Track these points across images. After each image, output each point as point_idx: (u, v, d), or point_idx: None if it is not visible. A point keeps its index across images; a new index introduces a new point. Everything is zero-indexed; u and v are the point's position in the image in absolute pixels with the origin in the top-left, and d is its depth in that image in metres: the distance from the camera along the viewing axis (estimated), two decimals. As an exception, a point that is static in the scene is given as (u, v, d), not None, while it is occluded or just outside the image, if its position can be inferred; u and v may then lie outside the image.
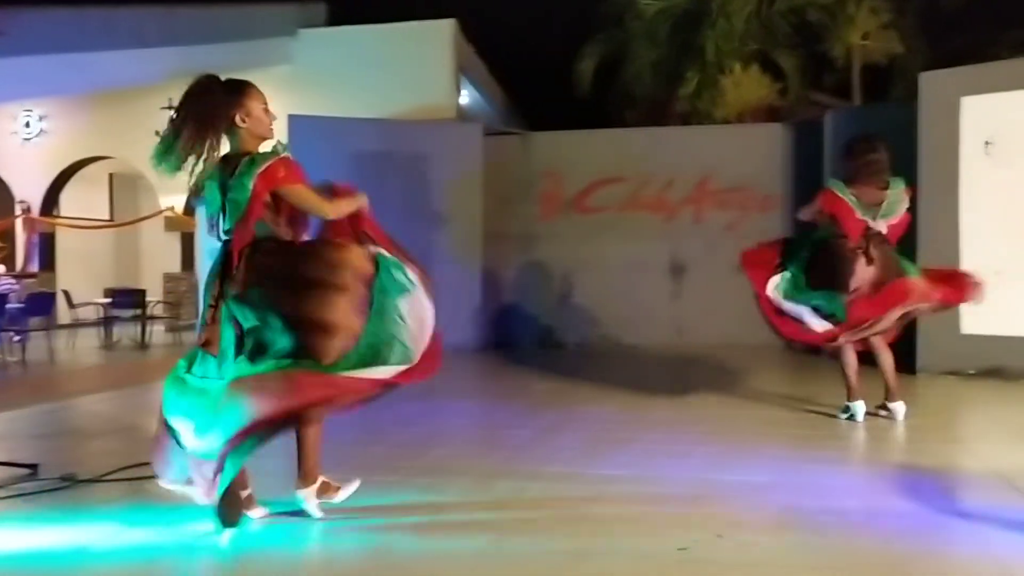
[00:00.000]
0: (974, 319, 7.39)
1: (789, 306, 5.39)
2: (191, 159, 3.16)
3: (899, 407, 5.43)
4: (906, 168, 7.75)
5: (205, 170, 3.23)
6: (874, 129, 8.76)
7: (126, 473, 4.07)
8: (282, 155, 3.24)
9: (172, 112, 3.21)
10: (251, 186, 3.12)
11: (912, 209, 7.63)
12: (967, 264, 7.43)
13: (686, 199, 10.67)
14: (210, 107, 3.18)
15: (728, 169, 10.53)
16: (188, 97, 3.21)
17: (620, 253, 10.67)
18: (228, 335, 3.10)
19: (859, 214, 5.34)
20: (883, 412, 5.49)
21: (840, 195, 5.36)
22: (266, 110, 3.32)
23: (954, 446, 4.97)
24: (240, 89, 3.28)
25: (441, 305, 9.91)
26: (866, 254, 5.32)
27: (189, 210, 15.33)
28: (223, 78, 3.28)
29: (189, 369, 3.18)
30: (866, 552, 2.98)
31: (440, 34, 14.41)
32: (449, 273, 10.01)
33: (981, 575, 2.74)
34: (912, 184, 5.68)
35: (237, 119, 3.22)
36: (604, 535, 3.18)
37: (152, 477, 4.00)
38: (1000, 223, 7.34)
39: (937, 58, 12.37)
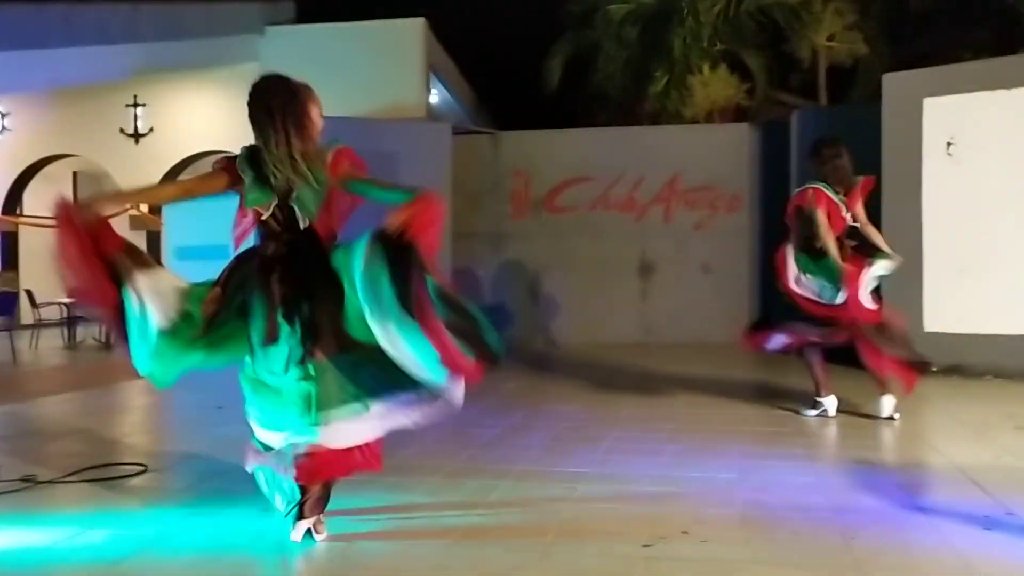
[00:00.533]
0: (936, 317, 7.51)
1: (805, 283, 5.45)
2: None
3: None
4: (870, 168, 7.87)
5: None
6: (839, 129, 8.87)
7: (87, 475, 4.02)
8: (340, 146, 3.22)
9: (264, 114, 3.16)
10: (326, 179, 3.12)
11: (875, 207, 7.76)
12: (929, 263, 7.55)
13: (655, 198, 10.73)
14: (299, 106, 3.21)
15: (696, 168, 10.60)
16: (275, 96, 3.21)
17: (589, 252, 10.71)
18: (286, 331, 3.03)
19: (843, 212, 5.42)
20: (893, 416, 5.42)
21: (830, 194, 5.40)
22: (321, 115, 3.34)
23: (916, 442, 5.03)
24: (308, 92, 3.30)
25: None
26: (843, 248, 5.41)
27: (155, 209, 15.17)
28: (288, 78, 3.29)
29: (254, 364, 3.09)
30: (830, 547, 3.00)
31: (410, 33, 14.37)
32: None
33: (942, 569, 2.77)
34: (870, 177, 5.72)
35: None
36: (571, 533, 3.18)
37: (113, 479, 3.98)
38: (962, 223, 7.45)
39: (901, 59, 12.54)
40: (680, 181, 10.69)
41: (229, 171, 3.19)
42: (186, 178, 3.35)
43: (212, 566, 2.86)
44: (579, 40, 16.38)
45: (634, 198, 10.77)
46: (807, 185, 5.54)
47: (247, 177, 3.14)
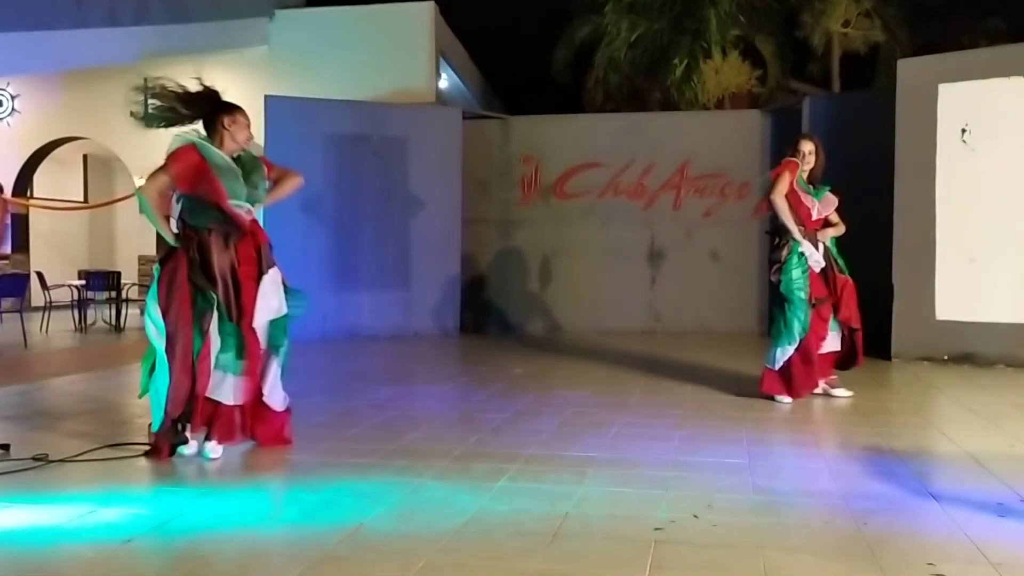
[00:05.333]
0: (948, 306, 7.47)
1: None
2: None
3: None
4: (883, 155, 7.84)
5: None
6: (852, 116, 8.85)
7: (99, 454, 4.03)
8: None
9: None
10: None
11: (888, 194, 7.79)
12: (942, 251, 7.50)
13: (664, 185, 10.68)
14: None
15: (707, 155, 10.54)
16: None
17: (598, 239, 10.67)
18: None
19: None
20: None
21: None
22: None
23: (927, 430, 5.01)
24: None
25: (419, 289, 9.87)
26: None
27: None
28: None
29: None
30: (841, 533, 2.99)
31: (419, 17, 14.30)
32: (428, 258, 10.00)
33: (954, 555, 2.76)
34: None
35: None
36: (580, 516, 3.18)
37: (124, 458, 3.99)
38: (975, 210, 7.40)
39: (919, 46, 12.45)
40: (690, 168, 10.63)
41: None
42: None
43: (222, 545, 2.87)
44: (590, 26, 16.30)
45: (644, 185, 10.72)
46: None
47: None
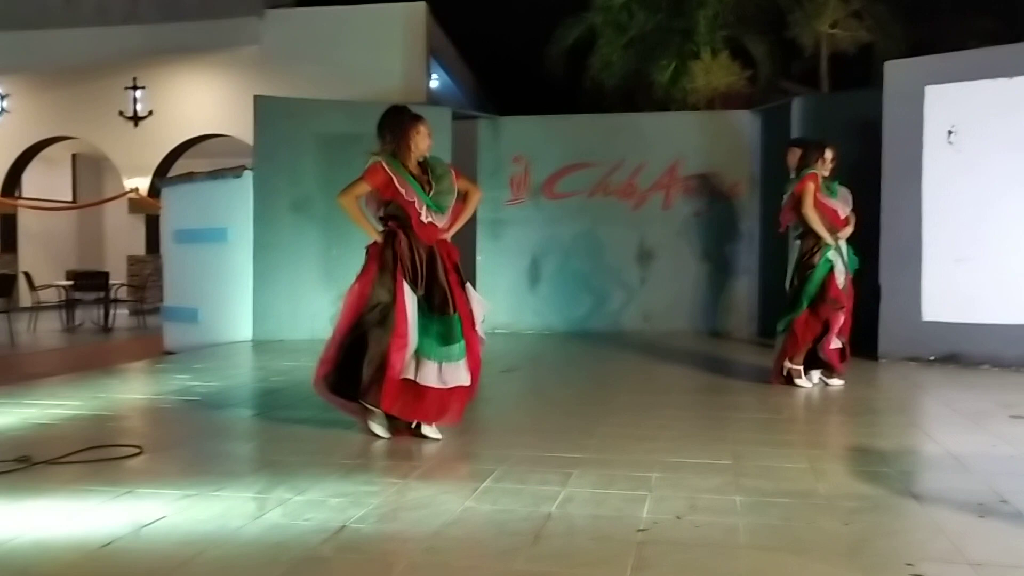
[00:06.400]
0: (934, 307, 7.50)
1: None
2: None
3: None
4: (870, 155, 7.86)
5: None
6: (839, 116, 8.87)
7: (82, 456, 4.02)
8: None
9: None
10: None
11: (875, 195, 7.83)
12: (928, 251, 7.53)
13: (655, 185, 10.68)
14: None
15: (697, 155, 10.56)
16: None
17: (588, 239, 10.67)
18: None
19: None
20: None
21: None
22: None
23: (912, 430, 5.04)
24: None
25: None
26: None
27: (154, 192, 15.14)
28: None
29: None
30: (825, 533, 3.01)
31: (410, 16, 14.32)
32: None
33: (934, 555, 2.77)
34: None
35: None
36: (564, 516, 3.18)
37: (107, 459, 3.98)
38: (961, 211, 7.42)
39: (911, 45, 12.48)
40: (680, 168, 10.64)
41: None
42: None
43: (204, 547, 2.86)
44: (581, 26, 16.30)
45: (634, 185, 10.73)
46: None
47: None
